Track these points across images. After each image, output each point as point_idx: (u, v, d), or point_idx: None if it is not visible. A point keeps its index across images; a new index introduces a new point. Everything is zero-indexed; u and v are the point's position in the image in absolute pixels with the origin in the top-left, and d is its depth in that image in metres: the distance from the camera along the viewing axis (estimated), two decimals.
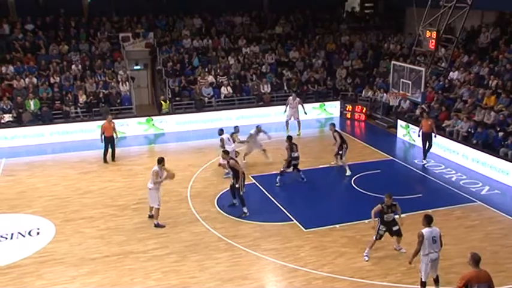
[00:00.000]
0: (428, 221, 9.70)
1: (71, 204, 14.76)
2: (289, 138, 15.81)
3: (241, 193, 13.63)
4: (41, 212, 14.16)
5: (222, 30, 26.89)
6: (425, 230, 9.69)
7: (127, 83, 23.21)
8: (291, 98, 21.21)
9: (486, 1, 18.85)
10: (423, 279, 9.95)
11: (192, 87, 23.62)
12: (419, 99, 18.12)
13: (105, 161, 17.94)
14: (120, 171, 17.35)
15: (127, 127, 21.19)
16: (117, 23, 25.94)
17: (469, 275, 8.15)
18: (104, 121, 18.05)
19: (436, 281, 10.09)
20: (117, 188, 15.92)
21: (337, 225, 13.17)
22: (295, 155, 15.60)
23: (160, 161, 13.00)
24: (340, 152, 16.50)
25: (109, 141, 17.82)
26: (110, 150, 17.97)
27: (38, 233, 13.02)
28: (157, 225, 13.24)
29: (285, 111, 21.13)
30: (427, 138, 17.55)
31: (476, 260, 8.20)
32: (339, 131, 17.42)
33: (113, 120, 18.20)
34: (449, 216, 13.73)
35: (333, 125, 17.06)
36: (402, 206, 13.65)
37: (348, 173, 16.40)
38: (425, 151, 17.79)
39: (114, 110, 22.01)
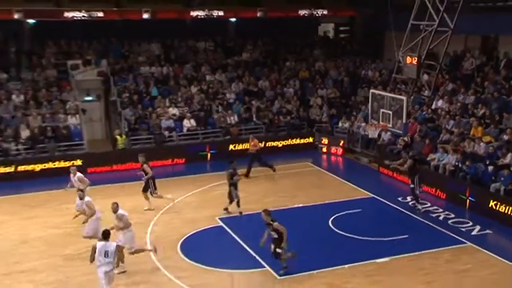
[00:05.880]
0: (104, 235, 11.26)
1: (9, 255, 14.33)
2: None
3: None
4: None
5: (183, 56, 27.04)
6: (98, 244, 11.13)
7: (77, 115, 23.00)
8: None
9: (469, 25, 19.58)
10: None
11: (150, 119, 23.54)
12: (401, 131, 18.46)
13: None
14: (70, 215, 16.95)
15: None
16: (64, 49, 25.80)
17: None
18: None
19: None
20: (65, 234, 15.57)
21: (314, 271, 13.14)
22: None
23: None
24: (150, 188, 17.09)
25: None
26: None
27: None
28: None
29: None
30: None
31: None
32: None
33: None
34: (438, 260, 13.84)
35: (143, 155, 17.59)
36: (386, 247, 13.69)
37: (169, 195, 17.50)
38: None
39: (63, 146, 21.70)
